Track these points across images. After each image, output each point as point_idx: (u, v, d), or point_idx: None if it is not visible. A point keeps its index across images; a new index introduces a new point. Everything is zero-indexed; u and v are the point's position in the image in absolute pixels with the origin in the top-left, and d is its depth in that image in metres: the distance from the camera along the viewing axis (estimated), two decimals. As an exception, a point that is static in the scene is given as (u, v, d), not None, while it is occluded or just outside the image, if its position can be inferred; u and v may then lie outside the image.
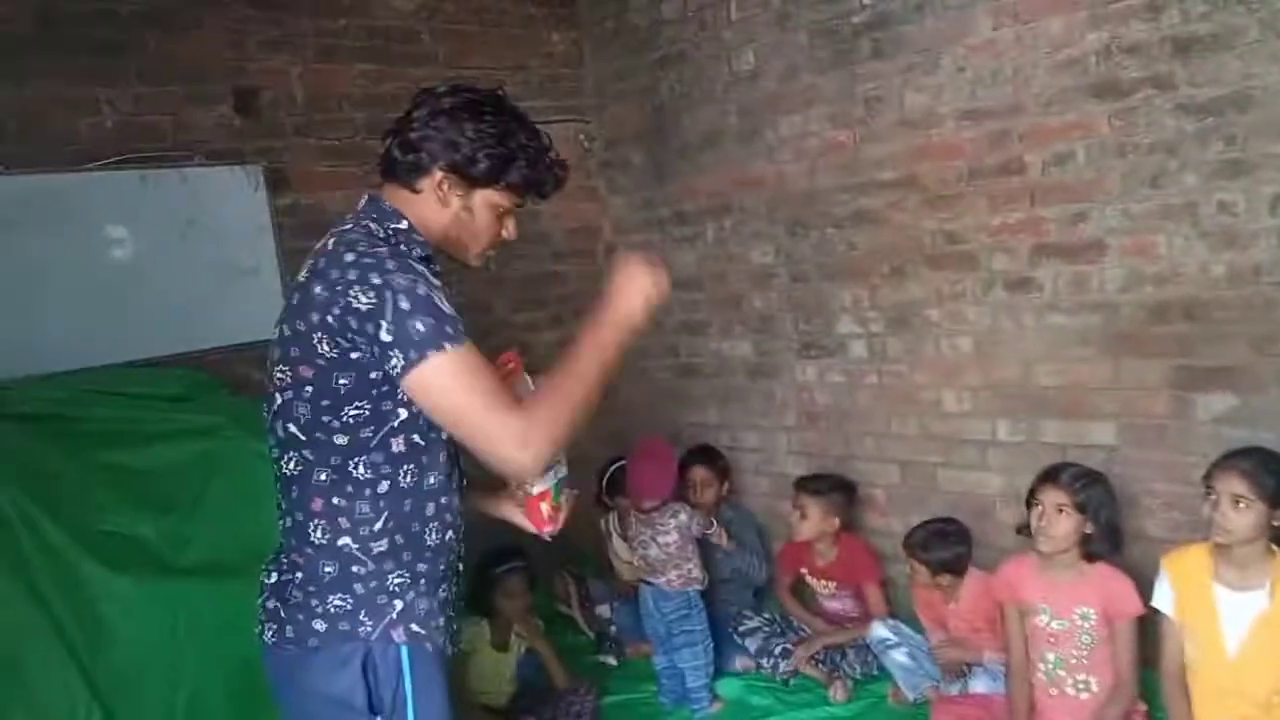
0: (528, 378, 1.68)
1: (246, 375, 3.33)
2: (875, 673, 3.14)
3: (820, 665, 3.19)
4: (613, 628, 3.60)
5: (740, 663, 3.32)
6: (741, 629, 3.38)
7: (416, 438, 1.52)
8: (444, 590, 1.61)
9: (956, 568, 2.96)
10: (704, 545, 3.27)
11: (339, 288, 1.42)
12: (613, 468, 3.67)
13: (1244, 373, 2.67)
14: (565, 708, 2.95)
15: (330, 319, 1.42)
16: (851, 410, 3.62)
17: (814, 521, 3.33)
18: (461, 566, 1.69)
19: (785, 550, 3.61)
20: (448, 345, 1.40)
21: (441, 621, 1.59)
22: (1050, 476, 2.56)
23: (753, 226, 3.82)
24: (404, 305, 1.40)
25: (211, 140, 3.35)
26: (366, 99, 3.64)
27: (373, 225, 1.53)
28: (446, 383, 1.40)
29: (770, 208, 3.75)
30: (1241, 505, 2.21)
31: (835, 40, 3.42)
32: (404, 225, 1.55)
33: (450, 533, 1.60)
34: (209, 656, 2.46)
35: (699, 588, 3.17)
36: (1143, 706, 2.56)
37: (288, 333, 1.49)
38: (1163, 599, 2.41)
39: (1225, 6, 2.56)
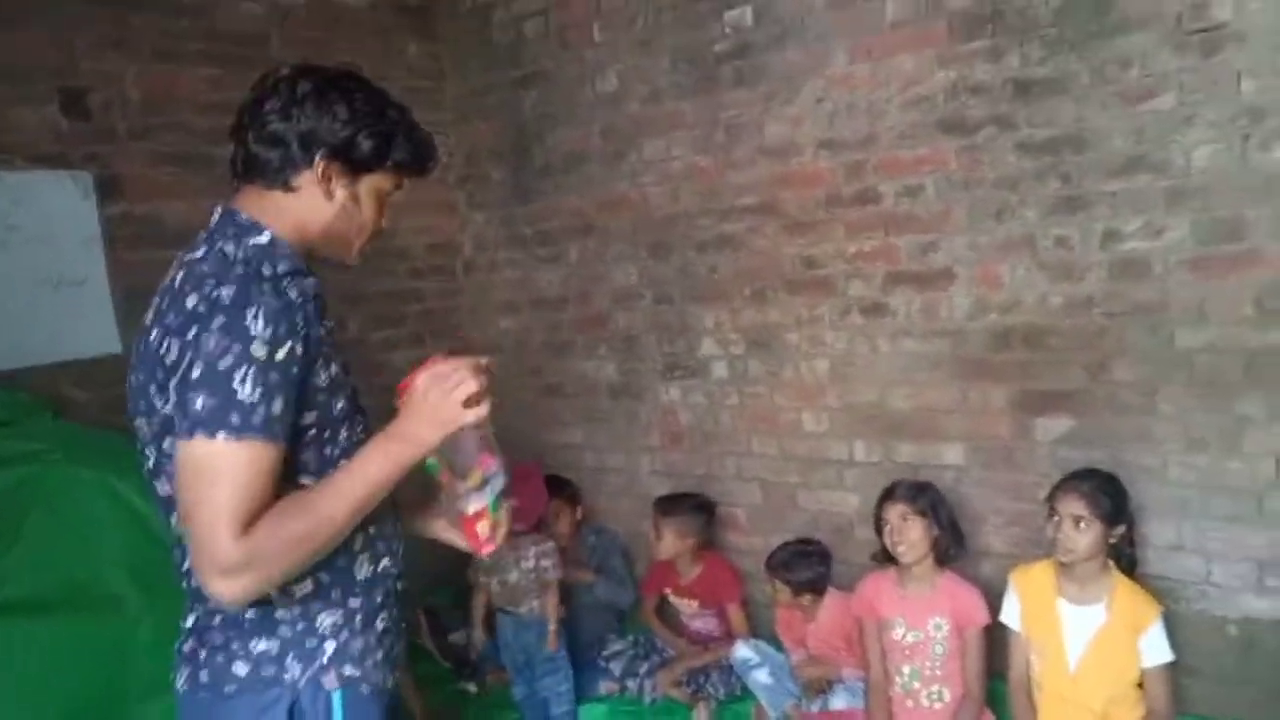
0: None
1: (72, 396, 3.08)
2: (738, 693, 3.16)
3: (684, 687, 3.19)
4: (472, 654, 3.49)
5: (605, 687, 3.28)
6: (606, 652, 3.36)
7: (317, 476, 1.38)
8: (382, 621, 1.49)
9: (817, 587, 3.03)
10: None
11: (166, 338, 1.30)
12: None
13: (1079, 397, 2.84)
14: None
15: (157, 368, 1.31)
16: (714, 431, 3.66)
17: (669, 542, 3.35)
18: (400, 587, 1.56)
19: (650, 570, 3.61)
20: (222, 435, 1.23)
21: (380, 656, 1.48)
22: (889, 495, 2.70)
23: (616, 248, 3.82)
24: (194, 374, 1.25)
25: (36, 143, 3.06)
26: (209, 105, 3.41)
27: (228, 248, 1.36)
28: (196, 471, 1.24)
29: (634, 229, 3.75)
30: (1082, 525, 2.36)
31: (698, 66, 3.47)
32: (264, 240, 1.39)
33: (386, 560, 1.49)
34: (34, 699, 2.25)
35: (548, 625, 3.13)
36: (990, 716, 2.67)
37: (134, 384, 1.38)
38: (1010, 613, 2.54)
39: (1060, 53, 2.74)
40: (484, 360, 1.40)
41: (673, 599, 3.51)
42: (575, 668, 3.19)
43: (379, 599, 1.49)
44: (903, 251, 3.11)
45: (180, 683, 1.43)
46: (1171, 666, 2.43)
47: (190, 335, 1.27)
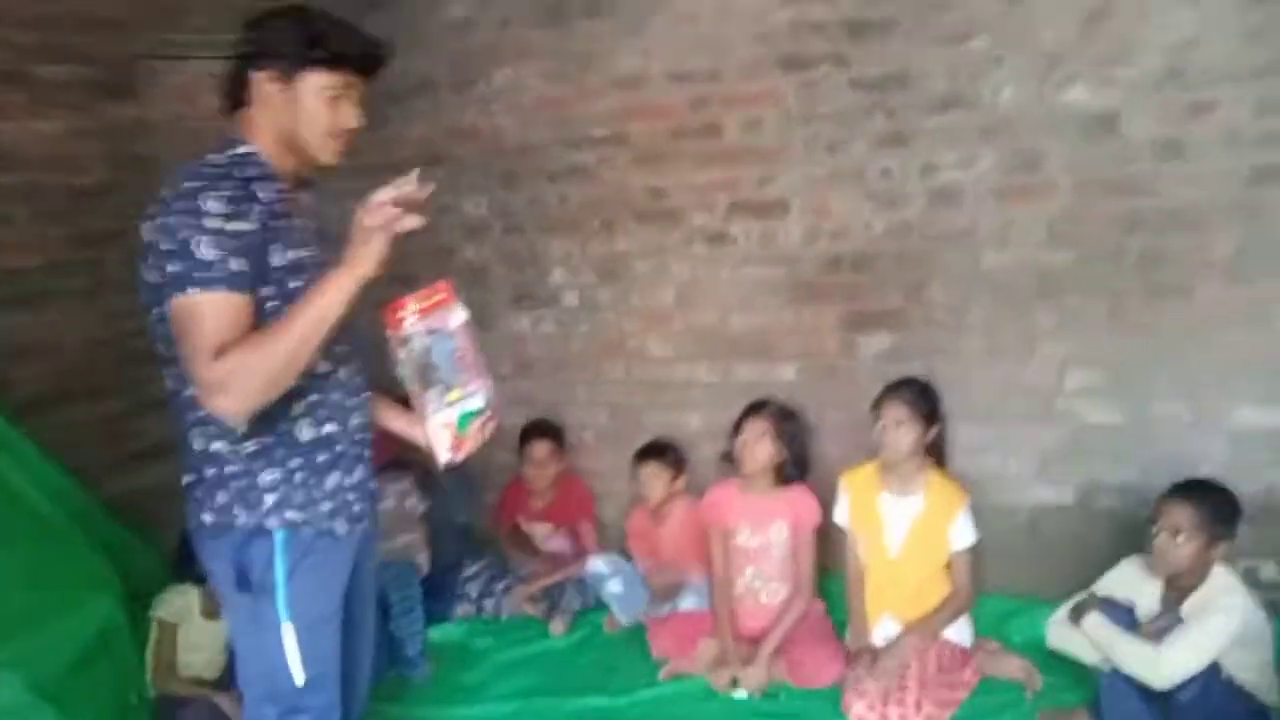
0: (459, 306, 1.70)
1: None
2: (592, 604, 3.33)
3: (540, 604, 3.34)
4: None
5: (461, 609, 3.38)
6: (462, 575, 3.45)
7: None
8: (334, 479, 1.74)
9: (681, 468, 3.29)
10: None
11: (149, 226, 1.59)
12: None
13: (898, 316, 3.13)
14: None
15: (149, 252, 1.58)
16: (564, 358, 3.77)
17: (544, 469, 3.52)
18: (361, 450, 1.80)
19: (503, 498, 3.71)
20: (192, 290, 1.51)
21: (328, 507, 1.72)
22: (756, 408, 2.89)
23: (466, 178, 3.83)
24: (162, 246, 1.54)
25: None
26: (34, 19, 3.13)
27: (212, 155, 1.63)
28: (180, 324, 1.54)
29: (484, 159, 3.77)
30: (903, 427, 2.63)
31: (551, -4, 3.50)
32: (242, 150, 1.65)
33: (330, 426, 1.72)
34: None
35: (420, 560, 3.19)
36: (820, 604, 2.96)
37: (139, 273, 1.64)
38: (841, 514, 2.81)
39: (888, -3, 2.95)
40: (417, 185, 1.61)
41: (525, 525, 3.63)
42: (431, 593, 3.27)
43: (323, 459, 1.73)
44: (744, 182, 3.29)
45: (190, 522, 1.75)
46: (973, 550, 2.76)
47: (159, 220, 1.55)
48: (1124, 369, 2.86)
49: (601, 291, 3.64)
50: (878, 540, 2.74)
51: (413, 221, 1.58)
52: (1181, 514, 2.32)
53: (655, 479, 3.22)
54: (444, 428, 1.69)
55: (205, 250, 1.52)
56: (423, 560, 3.22)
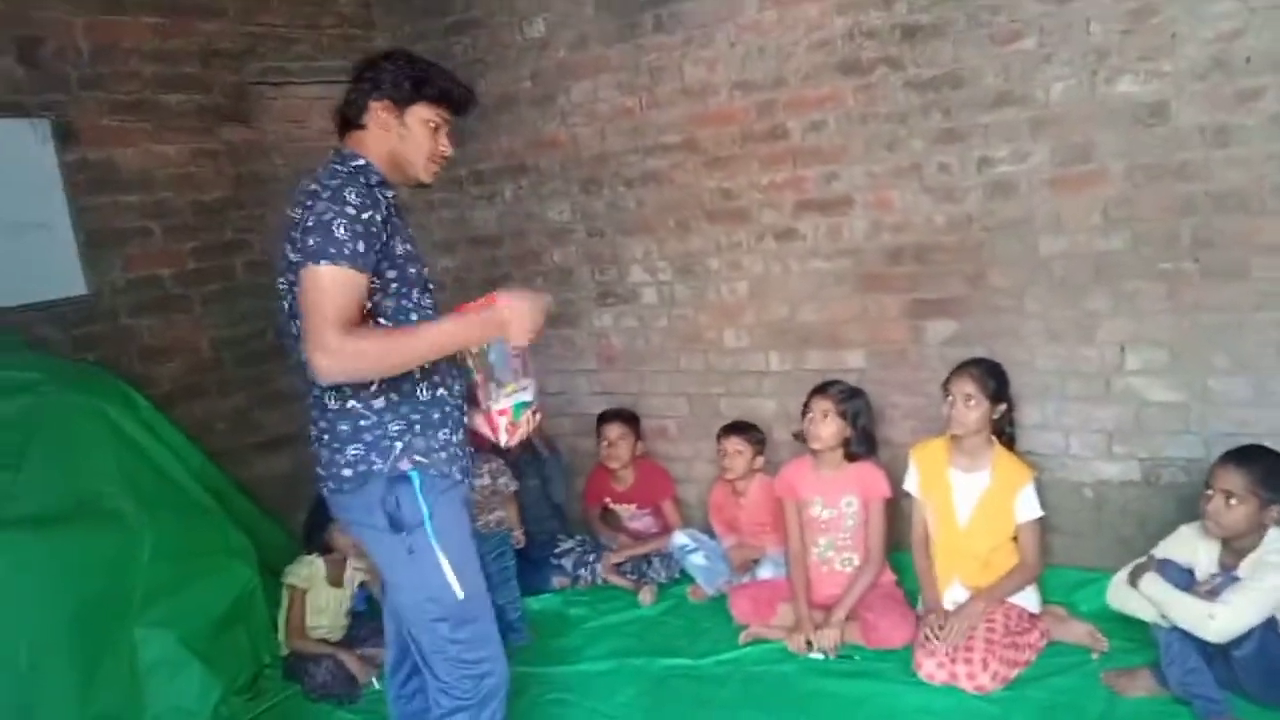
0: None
1: (43, 334, 3.25)
2: (677, 576, 3.57)
3: (629, 576, 3.59)
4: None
5: (557, 581, 3.66)
6: (558, 550, 3.72)
7: (393, 319, 1.93)
8: (444, 434, 2.01)
9: (761, 446, 3.52)
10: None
11: (295, 209, 1.89)
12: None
13: (961, 303, 3.29)
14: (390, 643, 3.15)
15: (291, 231, 1.87)
16: (644, 351, 4.02)
17: (622, 448, 3.78)
18: (462, 415, 2.08)
19: (589, 482, 3.97)
20: (324, 262, 1.78)
21: (444, 455, 1.99)
22: (821, 389, 3.10)
23: (549, 186, 4.11)
24: (309, 223, 1.81)
25: (-6, 92, 3.21)
26: (156, 53, 3.58)
27: (336, 165, 1.94)
28: (310, 287, 1.79)
29: (564, 168, 4.05)
30: (971, 403, 2.82)
31: (621, 13, 3.77)
32: (361, 162, 1.96)
33: (441, 390, 2.02)
34: (46, 605, 2.49)
35: (513, 532, 3.46)
36: (890, 573, 3.14)
37: (279, 252, 1.94)
38: (911, 483, 3.00)
39: (941, 2, 3.13)
40: (549, 301, 2.00)
41: (613, 505, 3.89)
42: (530, 567, 3.55)
43: (436, 416, 2.01)
44: (809, 181, 3.50)
45: (324, 486, 2.02)
46: (1040, 522, 2.91)
47: (307, 204, 1.86)
48: (1182, 348, 2.97)
49: (679, 288, 3.88)
50: (947, 512, 2.92)
51: (532, 336, 1.97)
52: (1233, 478, 2.45)
53: (737, 454, 3.44)
54: (501, 415, 2.02)
55: (343, 233, 1.79)
56: (518, 535, 3.49)
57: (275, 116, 4.08)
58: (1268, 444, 2.64)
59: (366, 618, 3.24)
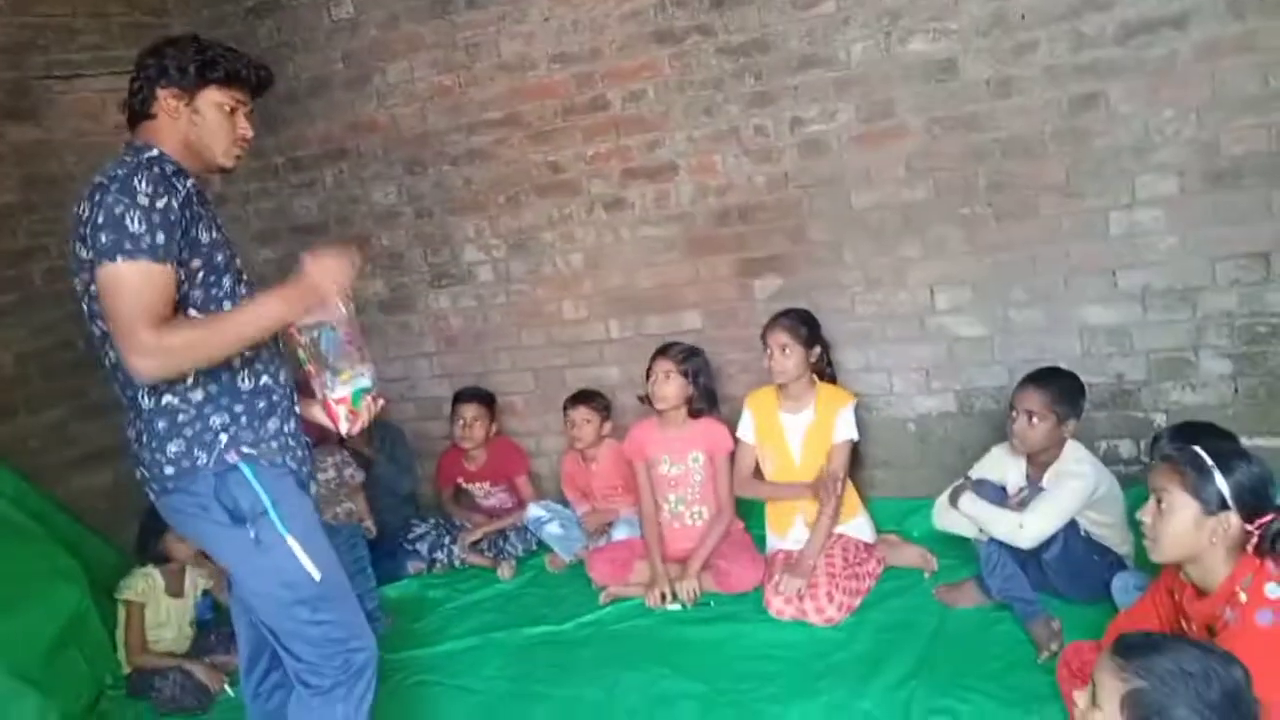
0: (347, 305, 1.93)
1: None
2: (534, 548, 3.60)
3: (485, 553, 3.59)
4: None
5: (413, 566, 3.62)
6: (411, 536, 3.67)
7: (203, 310, 1.85)
8: (274, 423, 1.94)
9: (607, 412, 3.59)
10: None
11: (82, 206, 1.80)
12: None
13: (785, 259, 3.44)
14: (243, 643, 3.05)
15: (80, 229, 1.79)
16: (485, 330, 4.00)
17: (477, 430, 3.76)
18: (291, 404, 2.01)
19: (440, 463, 3.94)
20: (121, 258, 1.70)
21: (275, 445, 1.92)
22: (662, 351, 3.20)
23: (372, 169, 4.02)
24: (99, 219, 1.72)
25: None
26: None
27: (127, 157, 1.84)
28: (111, 287, 1.71)
29: (386, 150, 3.97)
30: (787, 351, 2.96)
31: (432, -10, 3.71)
32: (154, 152, 1.86)
33: (265, 378, 1.96)
34: None
35: (363, 522, 3.40)
36: (740, 522, 3.27)
37: (70, 251, 1.85)
38: (745, 429, 3.14)
39: (744, -31, 3.25)
40: (357, 257, 1.88)
41: (466, 485, 3.87)
42: (384, 554, 3.50)
43: (262, 405, 1.94)
44: (633, 150, 3.57)
45: (147, 490, 1.94)
46: (851, 444, 3.04)
47: (95, 198, 1.76)
48: (984, 285, 3.22)
49: (514, 264, 3.88)
50: (783, 452, 3.08)
51: (339, 297, 1.88)
52: (1033, 398, 2.68)
53: (585, 423, 3.49)
54: (340, 404, 1.96)
55: (136, 225, 1.71)
56: (369, 525, 3.43)
57: (65, 112, 3.81)
58: (1063, 366, 2.91)
59: (213, 625, 3.12)
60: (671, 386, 3.15)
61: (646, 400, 3.25)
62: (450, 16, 3.71)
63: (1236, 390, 2.98)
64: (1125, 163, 2.97)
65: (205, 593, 3.11)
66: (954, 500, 2.79)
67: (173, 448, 1.85)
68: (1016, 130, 3.08)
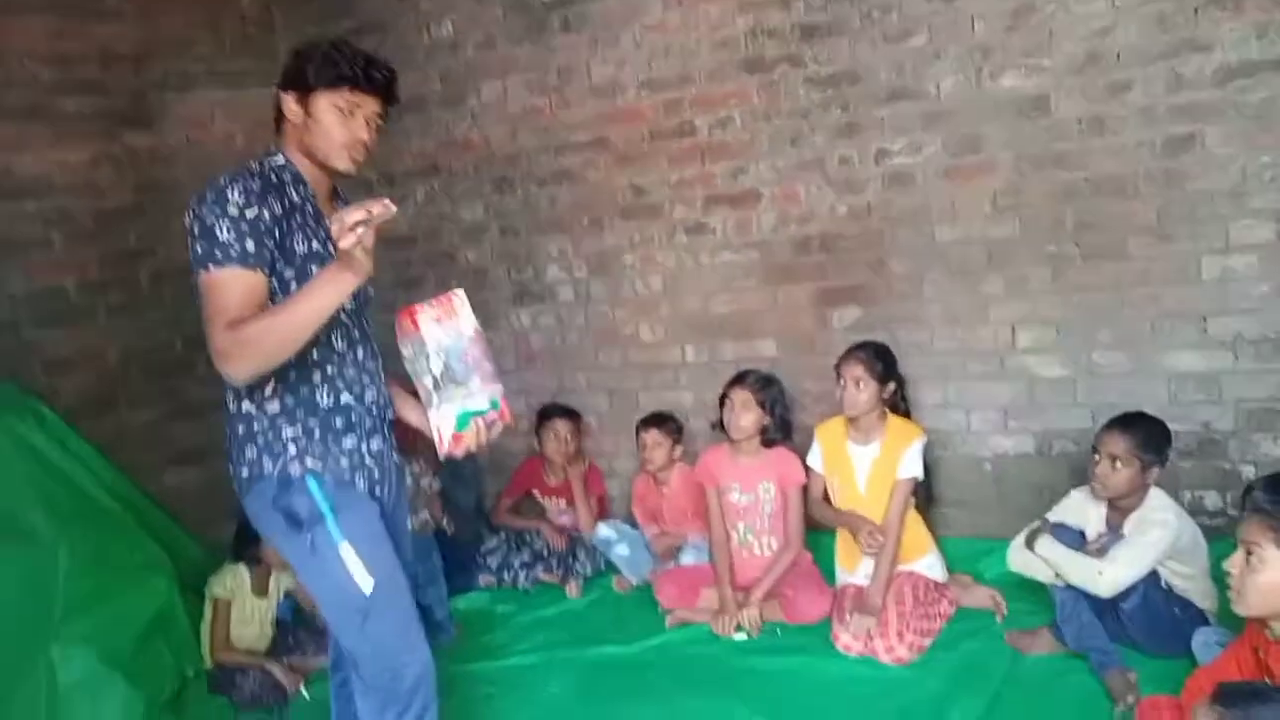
0: (469, 316, 1.86)
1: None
2: (602, 568, 3.64)
3: (555, 571, 3.64)
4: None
5: (483, 579, 3.68)
6: (483, 549, 3.74)
7: None
8: (350, 441, 1.95)
9: (680, 435, 3.62)
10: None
11: (190, 212, 1.84)
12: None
13: (864, 290, 3.44)
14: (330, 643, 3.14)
15: (188, 238, 1.84)
16: (563, 349, 4.07)
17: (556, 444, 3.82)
18: (379, 424, 2.01)
19: (517, 474, 4.01)
20: (210, 266, 1.77)
21: (345, 464, 1.93)
22: (738, 380, 3.21)
23: (462, 186, 4.13)
24: (195, 229, 1.80)
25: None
26: (52, 56, 3.48)
27: (252, 163, 1.91)
28: (203, 295, 1.79)
29: (477, 168, 4.08)
30: (861, 385, 2.95)
31: (528, 14, 3.81)
32: (279, 159, 1.93)
33: (347, 396, 1.96)
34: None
35: (434, 528, 3.48)
36: (808, 554, 3.26)
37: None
38: (815, 458, 3.14)
39: (837, 1, 3.27)
40: (379, 201, 1.65)
41: (540, 498, 3.93)
42: (455, 566, 3.57)
43: (339, 423, 1.95)
44: (717, 177, 3.61)
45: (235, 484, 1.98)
46: (914, 483, 3.01)
47: (194, 208, 1.82)
48: (1068, 326, 3.17)
49: (594, 285, 3.95)
50: (849, 483, 3.07)
51: (350, 237, 1.65)
52: (1117, 442, 2.63)
53: (658, 445, 3.52)
54: (444, 422, 1.85)
55: (225, 234, 1.76)
56: (446, 524, 3.50)
57: (177, 121, 4.00)
58: (1148, 412, 2.85)
59: (293, 626, 3.22)
60: (748, 417, 3.16)
61: (719, 426, 3.27)
62: (545, 39, 3.80)
63: (1332, 445, 2.88)
64: (1220, 207, 2.91)
65: (288, 594, 3.21)
66: (1030, 542, 2.75)
67: (248, 452, 1.91)
68: (1108, 170, 3.03)
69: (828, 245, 3.46)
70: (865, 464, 3.04)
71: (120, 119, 3.76)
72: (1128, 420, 2.69)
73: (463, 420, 1.86)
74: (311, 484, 1.89)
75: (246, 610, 3.08)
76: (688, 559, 3.42)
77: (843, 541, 3.13)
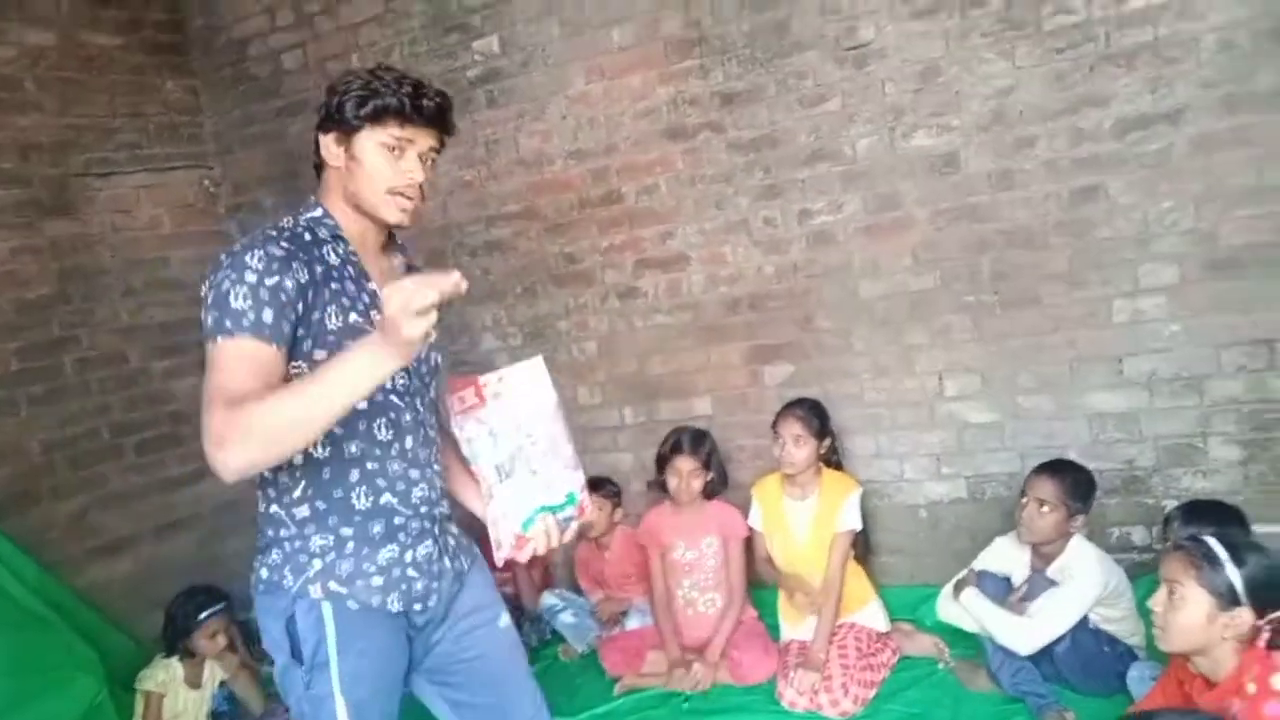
0: (546, 386, 1.61)
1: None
2: (548, 637, 3.60)
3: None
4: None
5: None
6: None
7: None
8: (389, 552, 1.69)
9: (619, 502, 3.60)
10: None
11: (207, 280, 1.60)
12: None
13: (794, 347, 3.50)
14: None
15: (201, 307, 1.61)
16: (501, 416, 4.05)
17: None
18: (428, 525, 1.74)
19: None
20: (219, 337, 1.51)
21: (378, 582, 1.68)
22: (677, 449, 3.22)
23: (393, 259, 4.13)
24: (209, 297, 1.55)
25: None
26: (-30, 150, 3.45)
27: (286, 219, 1.68)
28: (207, 369, 1.51)
29: (409, 240, 4.05)
30: (800, 442, 2.99)
31: (455, 90, 3.85)
32: (316, 213, 1.69)
33: (388, 496, 1.69)
34: None
35: None
36: (752, 609, 3.26)
37: None
38: (755, 518, 3.16)
39: (753, 69, 3.38)
40: (450, 279, 1.37)
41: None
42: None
43: (378, 530, 1.69)
44: (646, 241, 3.67)
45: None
46: (852, 534, 3.06)
47: (211, 273, 1.58)
48: (992, 372, 3.26)
49: (529, 351, 3.93)
50: (789, 540, 3.10)
51: (424, 322, 1.36)
52: (1046, 487, 2.70)
53: (597, 510, 3.52)
54: (506, 519, 1.55)
55: (239, 301, 1.51)
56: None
57: (101, 207, 3.97)
58: (1072, 454, 2.93)
59: (229, 716, 3.12)
60: (696, 481, 3.20)
61: (658, 487, 3.28)
62: (472, 114, 3.86)
63: (1247, 476, 2.98)
64: (1126, 252, 3.03)
65: (222, 684, 3.12)
66: (957, 593, 2.79)
67: (273, 555, 1.68)
68: (1019, 221, 3.15)
69: (756, 304, 3.53)
70: (804, 520, 3.07)
71: (42, 209, 3.72)
72: (1056, 466, 2.76)
73: (531, 518, 1.56)
74: (326, 614, 1.64)
75: (180, 703, 2.99)
76: (633, 623, 3.40)
77: (786, 597, 3.14)
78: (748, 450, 3.59)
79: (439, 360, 1.84)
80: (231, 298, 1.52)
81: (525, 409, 1.55)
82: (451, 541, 1.81)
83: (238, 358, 1.50)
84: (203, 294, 1.58)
